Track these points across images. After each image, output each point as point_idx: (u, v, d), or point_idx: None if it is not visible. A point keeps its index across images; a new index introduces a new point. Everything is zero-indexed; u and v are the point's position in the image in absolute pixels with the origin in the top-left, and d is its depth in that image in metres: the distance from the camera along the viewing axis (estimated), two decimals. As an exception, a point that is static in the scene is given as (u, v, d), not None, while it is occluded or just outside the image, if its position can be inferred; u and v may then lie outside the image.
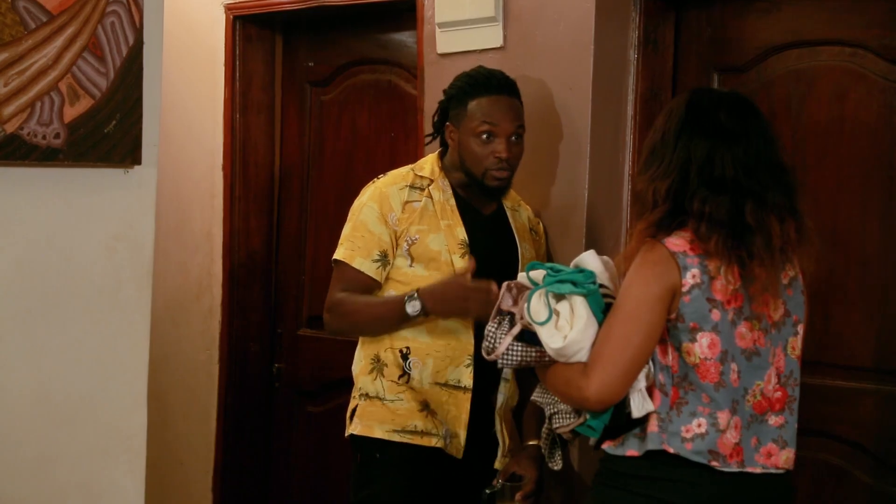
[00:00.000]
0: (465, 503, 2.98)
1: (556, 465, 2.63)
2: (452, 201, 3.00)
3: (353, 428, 3.01)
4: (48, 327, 2.70)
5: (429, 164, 3.06)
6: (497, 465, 2.99)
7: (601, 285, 2.37)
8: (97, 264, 2.75)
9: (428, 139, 3.18)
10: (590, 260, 2.42)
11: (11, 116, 2.54)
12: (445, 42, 3.46)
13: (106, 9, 2.63)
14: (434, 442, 2.94)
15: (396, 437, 2.94)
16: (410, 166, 3.08)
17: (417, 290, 2.85)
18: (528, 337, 2.38)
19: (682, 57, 3.27)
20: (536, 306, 2.33)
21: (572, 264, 2.44)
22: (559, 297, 2.34)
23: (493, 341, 2.42)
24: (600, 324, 2.30)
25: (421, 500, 2.97)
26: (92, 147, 2.65)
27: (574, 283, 2.33)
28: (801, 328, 2.40)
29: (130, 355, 2.80)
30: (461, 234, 2.97)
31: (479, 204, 3.06)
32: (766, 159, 2.34)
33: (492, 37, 3.35)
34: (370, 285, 2.96)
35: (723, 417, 2.28)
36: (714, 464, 2.28)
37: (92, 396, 2.76)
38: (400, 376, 2.95)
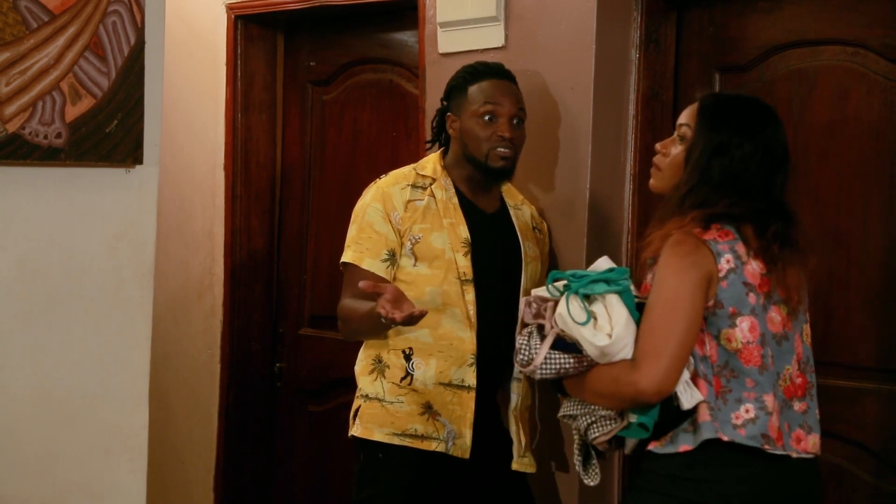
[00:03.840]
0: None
1: (594, 479, 2.52)
2: (455, 200, 3.00)
3: (354, 430, 3.00)
4: (49, 326, 2.70)
5: (431, 163, 3.06)
6: (515, 466, 2.97)
7: None
8: (99, 263, 2.75)
9: (427, 146, 3.18)
10: (606, 265, 2.43)
11: (13, 116, 2.55)
12: (447, 41, 3.47)
13: (107, 8, 2.64)
14: (434, 446, 2.93)
15: (396, 441, 2.93)
16: (412, 165, 3.08)
17: None
18: (561, 345, 2.38)
19: (684, 56, 3.28)
20: (575, 308, 2.33)
21: (588, 269, 2.45)
22: (590, 300, 2.35)
23: (527, 353, 2.41)
24: (636, 321, 2.31)
25: (424, 500, 2.96)
26: (93, 146, 2.66)
27: (607, 282, 2.34)
28: (808, 316, 2.45)
29: (132, 354, 2.80)
30: (464, 232, 2.97)
31: (482, 203, 3.06)
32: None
33: (493, 36, 3.35)
34: (381, 285, 2.96)
35: (769, 400, 2.31)
36: (766, 447, 2.29)
37: (93, 395, 2.76)
38: (403, 378, 2.95)
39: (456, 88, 3.03)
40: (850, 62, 2.98)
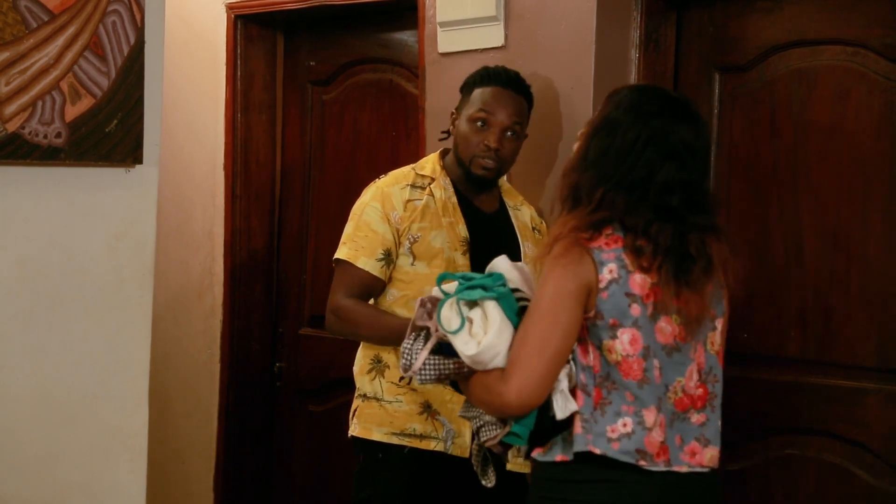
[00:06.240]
0: (472, 503, 2.98)
1: (490, 481, 2.49)
2: (454, 199, 3.01)
3: (353, 429, 3.01)
4: (49, 326, 2.70)
5: (430, 163, 3.06)
6: (510, 466, 2.95)
7: (515, 289, 2.30)
8: (99, 263, 2.75)
9: (443, 136, 3.16)
10: (501, 264, 2.35)
11: (13, 115, 2.55)
12: (447, 41, 3.47)
13: (107, 8, 2.64)
14: (433, 445, 2.93)
15: (395, 440, 2.93)
16: (412, 166, 3.09)
17: None
18: (446, 349, 2.30)
19: (684, 56, 3.27)
20: (447, 315, 2.25)
21: (486, 270, 2.36)
22: (472, 305, 2.27)
23: (409, 357, 2.33)
24: (516, 326, 2.24)
25: (424, 500, 2.96)
26: (93, 146, 2.65)
27: (484, 288, 2.26)
28: (719, 323, 2.33)
29: (132, 354, 2.80)
30: (463, 231, 2.97)
31: (481, 202, 3.06)
32: (705, 182, 2.32)
33: (493, 36, 3.35)
34: (374, 285, 2.96)
35: (648, 415, 2.22)
36: (642, 463, 2.21)
37: (93, 396, 2.76)
38: (402, 378, 2.95)
39: (466, 87, 3.04)
40: (850, 62, 2.98)
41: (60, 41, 2.59)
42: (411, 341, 2.34)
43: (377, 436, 2.95)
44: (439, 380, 2.34)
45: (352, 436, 3.02)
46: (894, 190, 2.93)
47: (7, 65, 2.53)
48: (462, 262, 2.94)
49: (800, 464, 3.03)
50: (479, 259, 2.94)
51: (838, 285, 2.99)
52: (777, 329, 3.07)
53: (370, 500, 2.98)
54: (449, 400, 2.93)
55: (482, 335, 2.23)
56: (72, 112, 2.62)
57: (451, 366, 2.30)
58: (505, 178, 3.19)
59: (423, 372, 2.31)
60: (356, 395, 3.03)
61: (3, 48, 2.52)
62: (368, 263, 2.93)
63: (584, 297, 2.20)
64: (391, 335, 2.88)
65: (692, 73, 3.25)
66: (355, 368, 3.05)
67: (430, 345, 2.30)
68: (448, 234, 2.96)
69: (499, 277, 2.29)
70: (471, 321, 2.25)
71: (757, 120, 3.13)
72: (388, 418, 2.95)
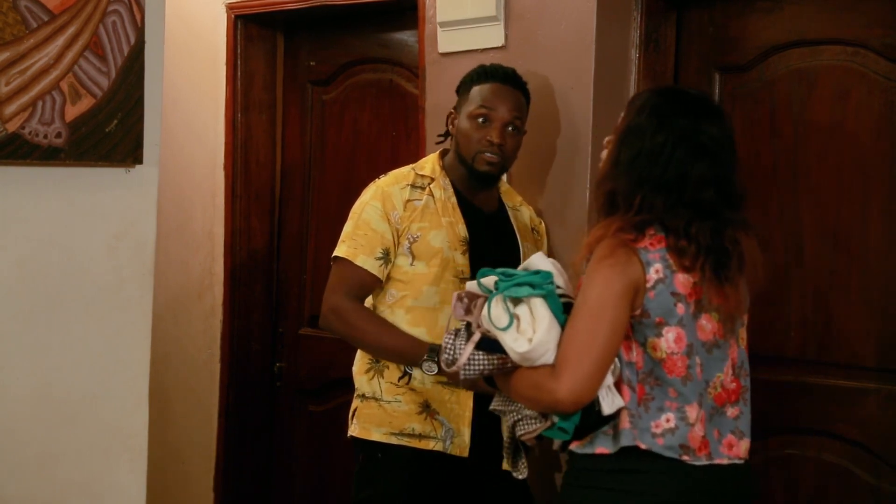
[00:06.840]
0: (472, 503, 2.98)
1: (522, 473, 2.54)
2: (454, 199, 3.01)
3: (353, 430, 3.01)
4: (50, 326, 2.70)
5: (430, 163, 3.06)
6: (505, 466, 2.97)
7: (556, 286, 2.33)
8: (99, 263, 2.75)
9: (440, 139, 3.17)
10: (540, 262, 2.38)
11: (13, 115, 2.55)
12: (447, 41, 3.47)
13: (107, 8, 2.64)
14: (432, 445, 2.93)
15: (394, 440, 2.93)
16: (411, 166, 3.09)
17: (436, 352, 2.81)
18: (487, 345, 2.33)
19: (684, 56, 3.28)
20: (497, 312, 2.28)
21: (520, 268, 2.40)
22: (516, 301, 2.29)
23: (452, 353, 2.36)
24: (561, 324, 2.27)
25: (424, 500, 2.96)
26: (93, 146, 2.65)
27: (532, 285, 2.28)
28: (745, 317, 2.41)
29: (132, 354, 2.80)
30: (462, 231, 2.97)
31: (481, 202, 3.06)
32: (734, 176, 2.36)
33: (493, 36, 3.35)
34: (372, 284, 2.96)
35: (691, 411, 2.28)
36: (685, 458, 2.27)
37: (93, 395, 2.76)
38: (401, 377, 2.95)
39: (463, 86, 3.04)
40: (850, 62, 2.98)
41: (60, 41, 2.59)
42: (452, 336, 2.38)
43: (376, 436, 2.95)
44: (482, 375, 2.37)
45: (351, 436, 3.02)
46: (894, 190, 2.93)
47: (7, 65, 2.53)
48: (461, 261, 2.94)
49: (800, 464, 3.03)
50: (478, 259, 2.94)
51: (838, 285, 2.99)
52: (777, 329, 3.07)
53: (370, 500, 2.98)
54: (448, 399, 2.93)
55: (531, 332, 2.25)
56: (72, 112, 2.61)
57: (496, 361, 2.33)
58: (505, 178, 3.19)
59: (467, 368, 2.34)
60: (355, 395, 3.03)
61: (3, 48, 2.52)
62: (367, 262, 2.93)
63: (631, 296, 2.25)
64: (396, 354, 2.90)
65: (692, 73, 3.25)
66: (354, 368, 3.06)
67: (474, 340, 2.33)
68: (448, 233, 2.96)
69: (547, 276, 2.31)
70: (518, 318, 2.28)
71: (757, 120, 3.13)
72: (387, 418, 2.95)
